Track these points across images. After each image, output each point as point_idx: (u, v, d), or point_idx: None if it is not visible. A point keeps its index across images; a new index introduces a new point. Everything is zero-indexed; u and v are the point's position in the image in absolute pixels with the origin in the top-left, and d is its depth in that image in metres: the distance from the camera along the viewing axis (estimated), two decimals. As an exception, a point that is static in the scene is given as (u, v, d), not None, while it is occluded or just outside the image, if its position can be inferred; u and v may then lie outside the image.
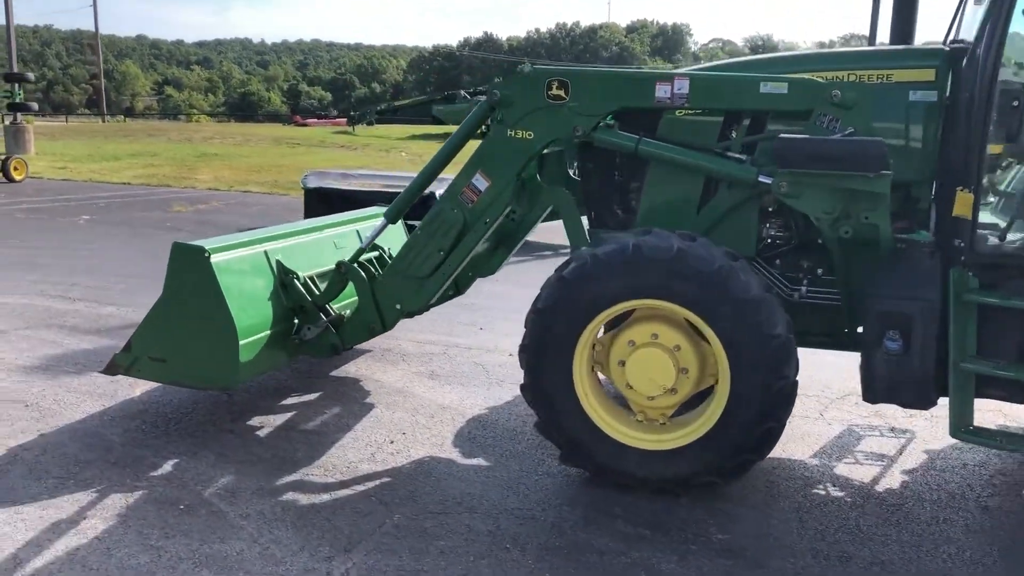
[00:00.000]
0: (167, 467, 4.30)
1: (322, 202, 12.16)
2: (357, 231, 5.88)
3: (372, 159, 25.52)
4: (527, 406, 5.16)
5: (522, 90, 4.44)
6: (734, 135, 4.37)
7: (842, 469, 4.50)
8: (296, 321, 4.94)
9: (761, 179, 4.12)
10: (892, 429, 5.04)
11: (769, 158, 4.18)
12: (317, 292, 4.98)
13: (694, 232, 4.09)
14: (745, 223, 4.41)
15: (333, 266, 5.21)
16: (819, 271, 4.43)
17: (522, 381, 4.20)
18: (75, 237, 11.46)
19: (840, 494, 4.22)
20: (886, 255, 3.95)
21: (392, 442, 4.69)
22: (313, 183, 12.39)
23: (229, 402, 5.21)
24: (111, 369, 4.74)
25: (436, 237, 4.65)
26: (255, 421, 4.94)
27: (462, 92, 37.37)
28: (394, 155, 27.18)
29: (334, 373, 5.82)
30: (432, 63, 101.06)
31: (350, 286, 4.90)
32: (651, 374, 4.06)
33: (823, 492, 4.23)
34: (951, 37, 4.68)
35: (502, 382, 5.73)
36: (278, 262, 4.93)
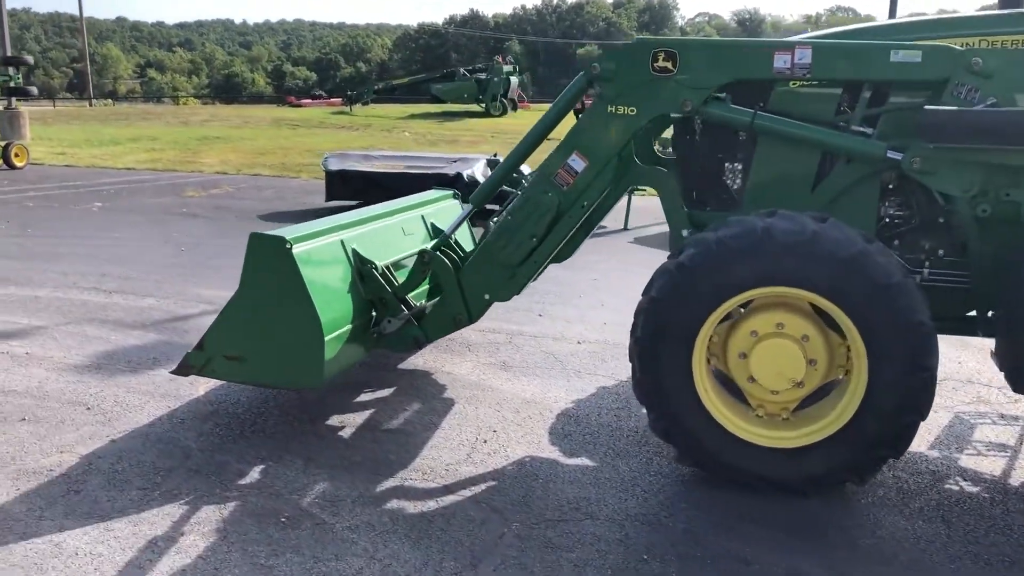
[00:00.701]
0: (255, 474, 4.01)
1: (345, 184, 11.86)
2: (422, 216, 5.58)
3: (376, 139, 25.10)
4: (613, 399, 4.97)
5: (625, 63, 4.13)
6: (849, 108, 4.08)
7: (967, 462, 4.25)
8: (374, 314, 4.65)
9: (890, 154, 3.85)
10: (1002, 416, 4.80)
11: (897, 131, 3.90)
12: (395, 282, 4.69)
13: (820, 213, 3.81)
14: (864, 202, 4.14)
15: (406, 254, 4.94)
16: (940, 252, 4.16)
17: (634, 376, 3.92)
18: (92, 225, 11.09)
19: (975, 489, 3.97)
20: None
21: (486, 441, 4.41)
22: (335, 165, 12.07)
23: (301, 400, 4.92)
24: (183, 370, 4.44)
25: (528, 223, 4.35)
26: (335, 420, 4.66)
27: (461, 70, 36.99)
28: (397, 135, 26.72)
29: (402, 366, 5.54)
30: (418, 41, 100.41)
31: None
32: (779, 367, 3.79)
33: (956, 488, 3.98)
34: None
35: (579, 373, 5.46)
36: (355, 251, 4.63)
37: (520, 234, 4.37)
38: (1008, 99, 3.72)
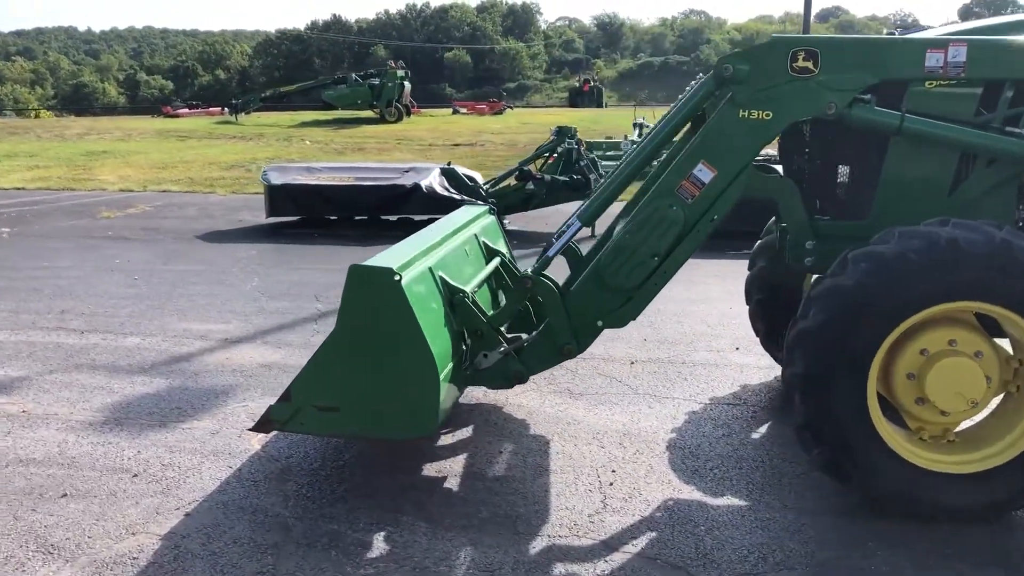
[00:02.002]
0: (380, 544, 3.47)
1: (290, 199, 11.15)
2: (475, 235, 5.08)
3: (276, 149, 24.08)
4: (712, 426, 4.64)
5: (760, 64, 3.79)
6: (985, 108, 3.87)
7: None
8: (464, 347, 4.16)
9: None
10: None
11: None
12: (483, 312, 4.21)
13: (989, 220, 3.56)
14: (1004, 204, 3.95)
15: (480, 279, 4.47)
16: None
17: (798, 410, 3.58)
18: (12, 254, 9.98)
19: None
20: None
21: (611, 484, 3.99)
22: (277, 179, 11.33)
23: (370, 448, 4.36)
24: (264, 426, 3.84)
25: (650, 241, 3.95)
26: (430, 470, 4.14)
27: (353, 75, 36.04)
28: (297, 144, 25.73)
29: (463, 400, 5.03)
30: (280, 47, 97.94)
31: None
32: (958, 386, 3.52)
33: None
34: None
35: (656, 397, 5.11)
36: (442, 279, 4.12)
37: (640, 253, 3.96)
38: None
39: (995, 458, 3.56)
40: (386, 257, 3.91)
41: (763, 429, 4.67)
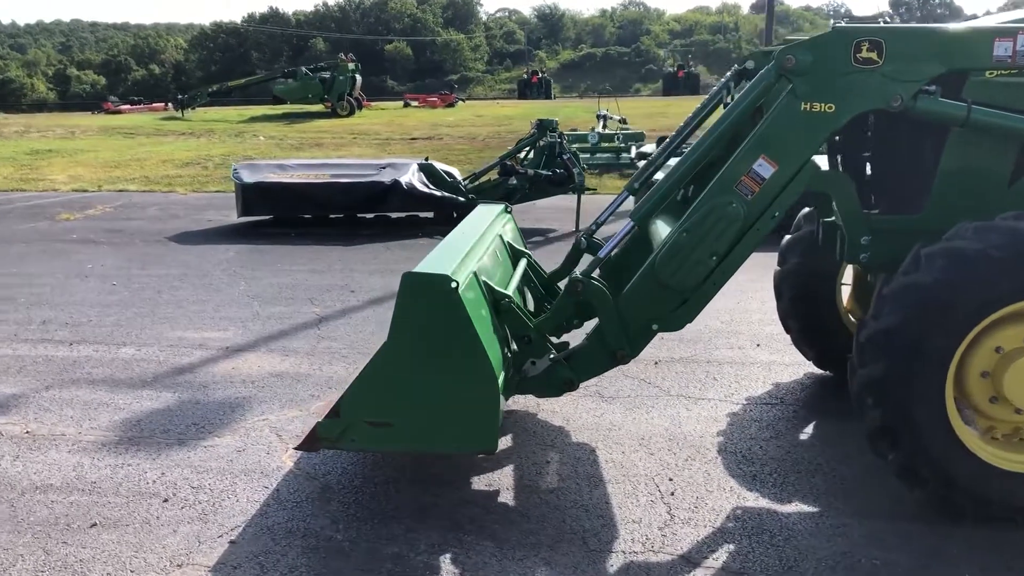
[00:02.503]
0: (448, 567, 3.27)
1: (265, 198, 10.83)
2: (500, 236, 4.88)
3: (229, 146, 23.47)
4: (757, 427, 4.52)
5: (823, 54, 3.66)
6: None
7: None
8: (509, 354, 3.97)
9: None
10: None
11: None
12: (529, 317, 4.03)
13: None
14: None
15: (516, 283, 4.30)
16: None
17: (870, 416, 3.47)
18: (-27, 260, 9.48)
19: None
20: None
21: (672, 493, 3.84)
22: (249, 177, 10.97)
23: (410, 462, 4.15)
24: (312, 444, 3.62)
25: (709, 239, 3.78)
26: (479, 484, 3.95)
27: (303, 69, 35.43)
28: (250, 139, 25.14)
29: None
30: (216, 40, 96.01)
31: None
32: (1035, 386, 3.44)
33: None
34: None
35: (691, 398, 4.98)
36: (486, 284, 3.93)
37: (699, 252, 3.79)
38: None
39: (1071, 457, 3.50)
40: (434, 263, 3.70)
41: (809, 430, 4.57)
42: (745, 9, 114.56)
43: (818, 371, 5.28)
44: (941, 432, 3.44)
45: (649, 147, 12.68)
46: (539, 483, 3.96)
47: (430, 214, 10.92)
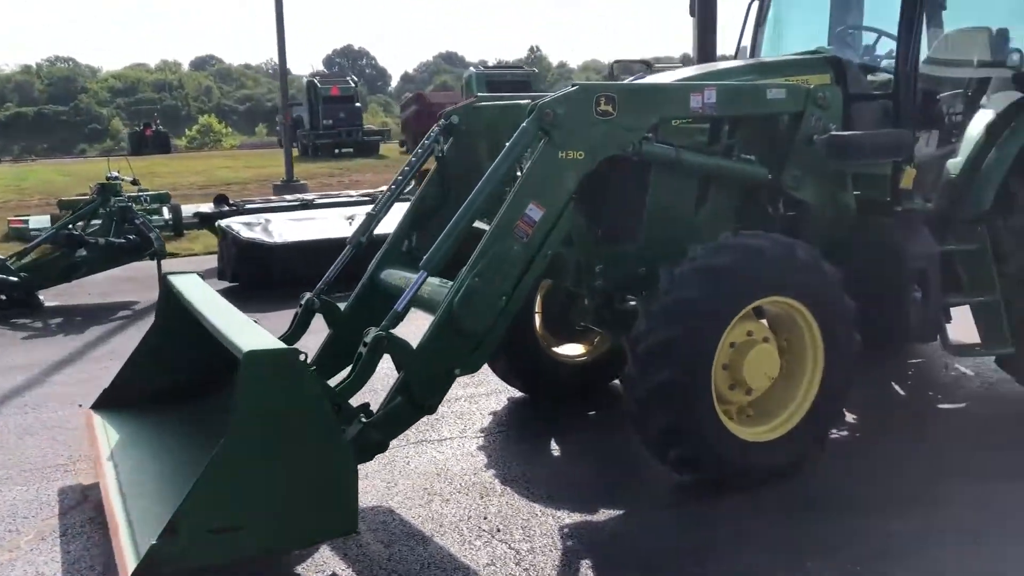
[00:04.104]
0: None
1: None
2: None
3: None
4: (502, 453, 4.84)
5: (572, 108, 4.11)
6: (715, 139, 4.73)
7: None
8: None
9: (771, 176, 4.62)
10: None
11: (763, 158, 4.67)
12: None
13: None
14: (725, 221, 4.75)
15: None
16: None
17: (657, 427, 4.11)
18: None
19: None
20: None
21: (498, 530, 3.96)
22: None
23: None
24: (149, 569, 3.04)
25: (498, 282, 4.00)
26: (307, 570, 3.65)
27: None
28: None
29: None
30: None
31: None
32: (764, 368, 4.27)
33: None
34: (738, 49, 5.78)
35: (429, 441, 5.10)
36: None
37: (490, 295, 3.98)
38: (838, 124, 4.73)
39: (785, 424, 4.38)
40: (256, 338, 3.38)
41: (549, 444, 4.99)
42: (185, 66, 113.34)
43: (519, 394, 5.72)
44: (714, 422, 4.10)
45: (206, 207, 12.12)
46: (372, 552, 3.79)
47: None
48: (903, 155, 4.66)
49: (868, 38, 5.96)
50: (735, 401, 4.33)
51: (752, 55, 6.13)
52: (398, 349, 3.88)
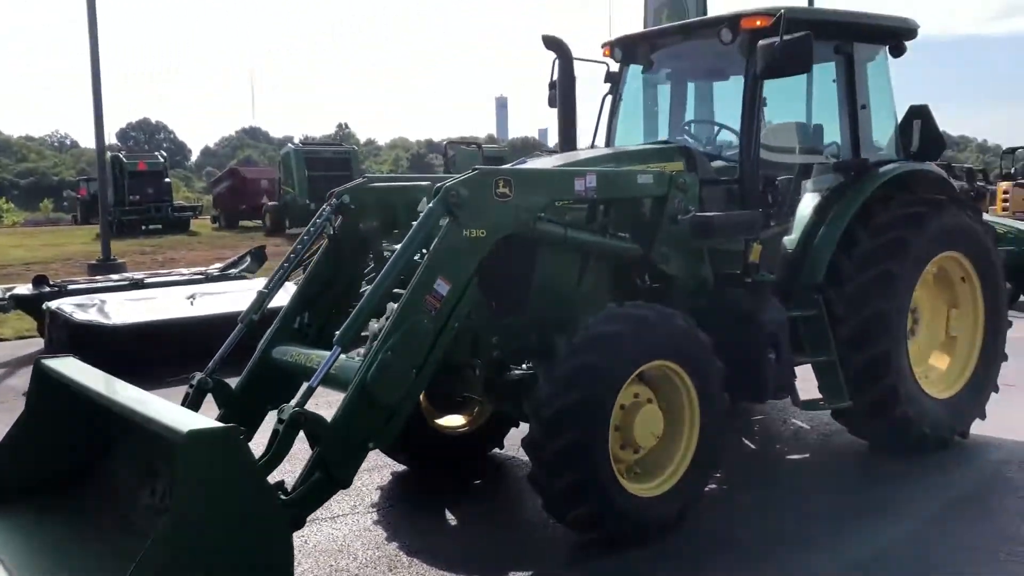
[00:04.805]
0: None
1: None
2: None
3: None
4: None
5: (474, 190, 4.39)
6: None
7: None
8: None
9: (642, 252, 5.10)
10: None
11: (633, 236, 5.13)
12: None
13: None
14: (602, 292, 5.15)
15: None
16: None
17: (562, 487, 4.35)
18: None
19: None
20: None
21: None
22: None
23: None
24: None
25: (409, 355, 4.16)
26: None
27: None
28: None
29: None
30: None
31: None
32: (650, 427, 4.64)
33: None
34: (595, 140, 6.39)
35: (332, 516, 5.09)
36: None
37: (402, 368, 4.12)
38: (695, 206, 5.25)
39: (670, 479, 4.74)
40: (189, 418, 3.37)
41: (456, 512, 5.11)
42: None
43: (402, 468, 5.81)
44: (614, 480, 4.41)
45: (23, 288, 11.26)
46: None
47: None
48: (755, 233, 5.26)
49: (706, 130, 6.67)
50: (625, 460, 4.66)
51: (607, 144, 6.68)
52: (314, 424, 3.95)
